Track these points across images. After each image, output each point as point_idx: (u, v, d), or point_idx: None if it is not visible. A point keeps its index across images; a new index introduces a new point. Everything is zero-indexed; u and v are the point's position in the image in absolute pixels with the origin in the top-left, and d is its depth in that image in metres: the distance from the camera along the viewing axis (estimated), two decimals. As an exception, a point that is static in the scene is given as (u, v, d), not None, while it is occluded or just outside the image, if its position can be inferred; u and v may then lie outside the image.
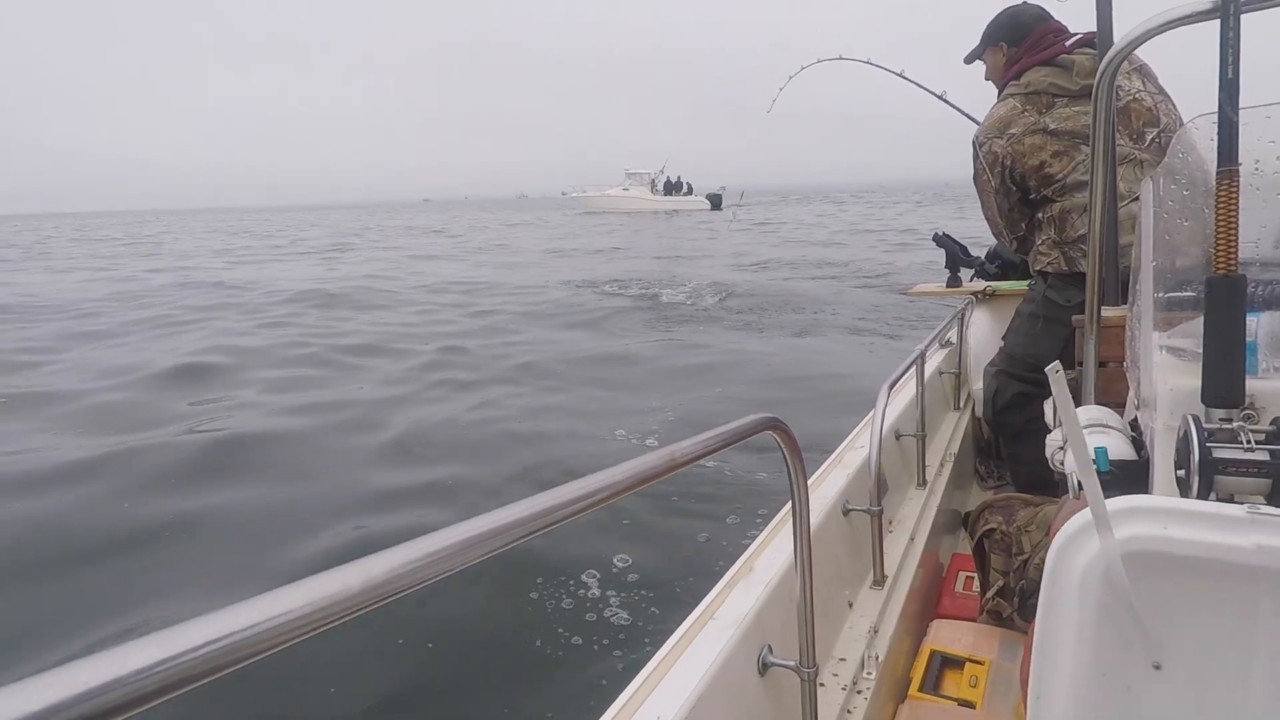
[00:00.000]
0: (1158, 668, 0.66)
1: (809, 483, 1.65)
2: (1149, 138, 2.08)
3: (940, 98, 2.96)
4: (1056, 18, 2.24)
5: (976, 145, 2.27)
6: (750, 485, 3.80)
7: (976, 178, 2.32)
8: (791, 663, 1.08)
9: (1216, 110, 0.71)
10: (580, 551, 3.21)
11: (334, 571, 0.38)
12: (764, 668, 1.10)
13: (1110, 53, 0.97)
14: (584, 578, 3.03)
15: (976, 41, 2.39)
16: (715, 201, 54.84)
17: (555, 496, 0.57)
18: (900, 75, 2.76)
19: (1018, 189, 2.25)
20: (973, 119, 2.70)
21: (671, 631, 1.11)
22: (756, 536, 1.39)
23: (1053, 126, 2.14)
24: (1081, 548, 0.66)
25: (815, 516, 1.46)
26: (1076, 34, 2.17)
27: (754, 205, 59.68)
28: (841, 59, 2.92)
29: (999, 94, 2.31)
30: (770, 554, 1.30)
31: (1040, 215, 2.26)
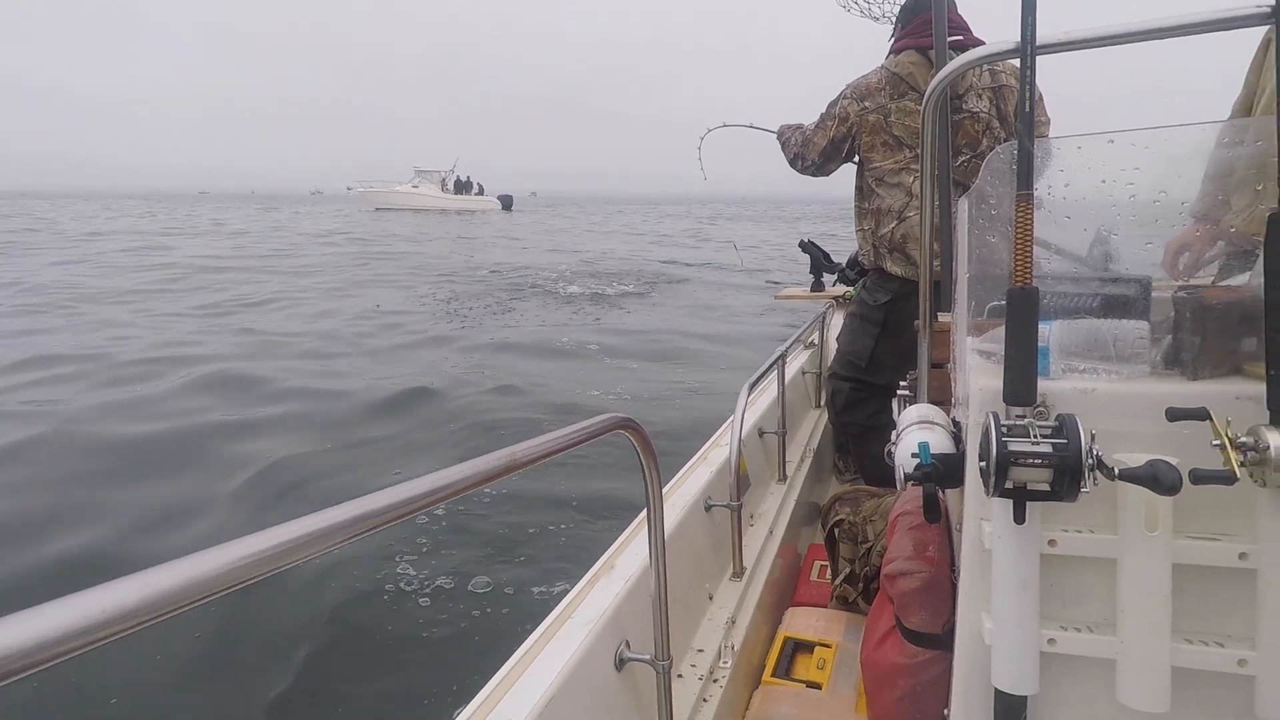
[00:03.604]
0: None
1: (674, 480, 1.70)
2: (961, 159, 2.24)
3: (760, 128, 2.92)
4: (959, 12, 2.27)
5: (841, 93, 2.39)
6: (622, 483, 3.84)
7: (828, 111, 2.42)
8: (647, 656, 1.10)
9: (1018, 140, 0.80)
10: (442, 553, 3.14)
11: (114, 584, 0.35)
12: (621, 663, 1.12)
13: (932, 85, 1.07)
14: (444, 579, 2.95)
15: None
16: (506, 202, 56.39)
17: (389, 496, 0.55)
18: (751, 126, 2.86)
19: (846, 151, 2.41)
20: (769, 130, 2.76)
21: (530, 631, 1.10)
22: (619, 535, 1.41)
23: (893, 118, 2.28)
24: None
25: (678, 513, 1.50)
26: (958, 36, 2.20)
27: (539, 208, 60.81)
28: (725, 126, 2.97)
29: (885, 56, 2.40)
30: (631, 552, 1.33)
31: (865, 204, 2.41)
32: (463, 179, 57.12)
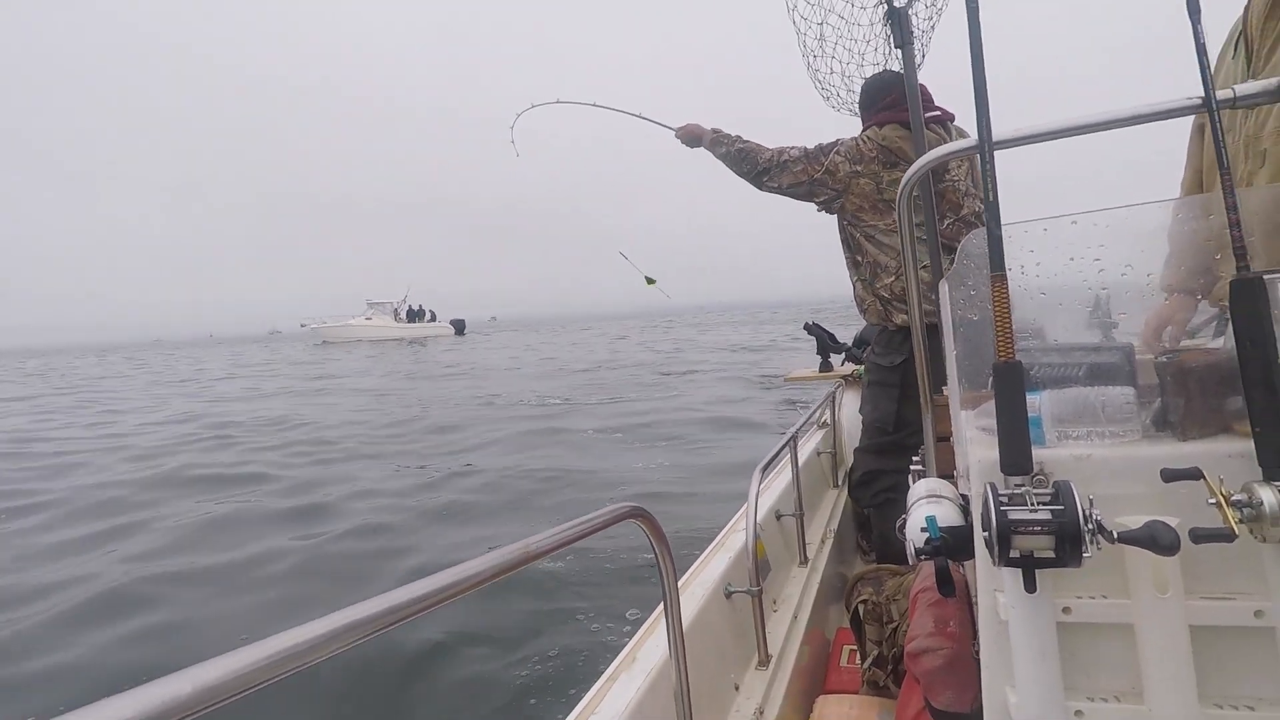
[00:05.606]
0: None
1: (693, 568, 1.70)
2: (946, 222, 2.35)
3: (639, 116, 2.80)
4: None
5: (834, 146, 2.40)
6: (648, 573, 3.78)
7: (816, 153, 2.41)
8: None
9: (986, 227, 0.86)
10: (458, 648, 3.07)
11: (167, 679, 0.38)
12: None
13: (906, 176, 1.15)
14: (461, 676, 2.88)
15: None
16: (459, 327, 57.64)
17: (412, 591, 0.58)
18: (594, 105, 2.92)
19: (822, 199, 2.44)
20: (667, 126, 2.69)
21: None
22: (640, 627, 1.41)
23: (884, 185, 2.35)
24: None
25: (698, 601, 1.49)
26: (936, 110, 2.36)
27: (498, 332, 61.20)
28: (534, 106, 2.86)
29: (863, 127, 2.44)
30: (653, 643, 1.32)
31: (858, 257, 2.47)
32: (414, 308, 58.35)
